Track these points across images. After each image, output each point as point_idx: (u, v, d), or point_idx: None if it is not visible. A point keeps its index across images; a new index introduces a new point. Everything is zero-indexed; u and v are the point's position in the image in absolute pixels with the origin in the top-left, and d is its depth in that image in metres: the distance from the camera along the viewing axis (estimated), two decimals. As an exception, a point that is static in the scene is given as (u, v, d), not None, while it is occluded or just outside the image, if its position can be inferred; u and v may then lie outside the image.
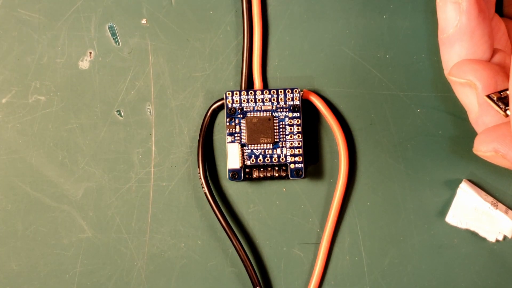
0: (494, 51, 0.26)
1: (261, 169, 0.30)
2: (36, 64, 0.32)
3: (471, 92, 0.25)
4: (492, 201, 0.31)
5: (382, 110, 0.31)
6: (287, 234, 0.32)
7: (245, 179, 0.30)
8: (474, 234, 0.31)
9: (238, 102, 0.30)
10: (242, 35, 0.31)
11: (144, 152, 0.32)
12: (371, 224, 0.31)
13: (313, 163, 0.32)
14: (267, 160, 0.30)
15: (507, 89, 0.24)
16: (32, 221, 0.32)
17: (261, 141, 0.30)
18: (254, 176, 0.30)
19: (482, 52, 0.25)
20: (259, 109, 0.30)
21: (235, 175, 0.30)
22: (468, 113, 0.26)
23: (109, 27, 0.32)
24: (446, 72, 0.26)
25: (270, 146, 0.30)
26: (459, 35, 0.25)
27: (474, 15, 0.24)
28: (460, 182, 0.31)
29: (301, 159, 0.30)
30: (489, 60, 0.25)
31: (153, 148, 0.32)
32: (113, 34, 0.32)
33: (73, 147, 0.32)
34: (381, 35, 0.31)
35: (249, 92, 0.30)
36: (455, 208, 0.31)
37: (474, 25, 0.25)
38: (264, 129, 0.30)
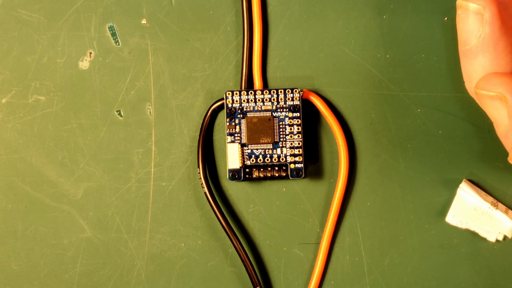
0: None
1: (261, 169, 0.30)
2: (36, 64, 0.32)
3: (501, 105, 0.24)
4: (492, 201, 0.31)
5: (382, 110, 0.31)
6: (287, 234, 0.32)
7: (245, 179, 0.30)
8: (474, 234, 0.31)
9: (238, 102, 0.30)
10: (242, 35, 0.31)
11: (144, 152, 0.32)
12: (371, 224, 0.31)
13: (313, 163, 0.32)
14: (267, 160, 0.30)
15: None
16: (32, 221, 0.32)
17: (261, 141, 0.30)
18: (254, 176, 0.30)
19: (506, 63, 0.25)
20: (259, 109, 0.30)
21: (235, 175, 0.30)
22: (496, 127, 0.25)
23: (109, 27, 0.32)
24: (467, 84, 0.26)
25: (270, 146, 0.30)
26: (482, 46, 0.25)
27: (497, 26, 0.24)
28: (460, 182, 0.31)
29: (301, 159, 0.30)
30: None
31: (153, 148, 0.32)
32: (113, 34, 0.32)
33: (73, 147, 0.32)
34: (381, 35, 0.31)
35: (249, 92, 0.30)
36: (455, 208, 0.31)
37: (498, 35, 0.24)
38: (264, 129, 0.30)
